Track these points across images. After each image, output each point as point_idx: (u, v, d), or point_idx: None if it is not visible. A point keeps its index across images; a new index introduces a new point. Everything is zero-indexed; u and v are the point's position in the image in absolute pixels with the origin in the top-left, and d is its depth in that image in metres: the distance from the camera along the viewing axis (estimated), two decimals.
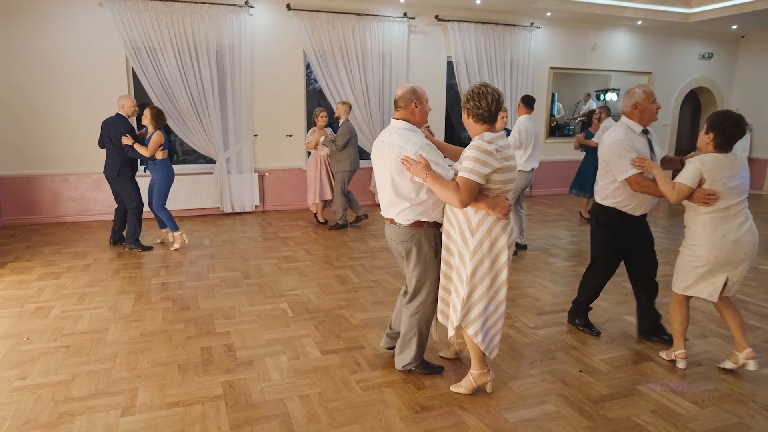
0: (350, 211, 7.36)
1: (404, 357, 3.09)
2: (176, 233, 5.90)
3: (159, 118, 5.64)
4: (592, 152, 7.11)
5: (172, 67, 7.11)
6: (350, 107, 6.72)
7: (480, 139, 2.61)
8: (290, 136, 8.06)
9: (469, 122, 2.70)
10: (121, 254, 5.64)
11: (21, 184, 6.92)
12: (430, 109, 2.92)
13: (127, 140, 5.57)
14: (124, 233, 5.91)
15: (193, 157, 8.40)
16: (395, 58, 8.30)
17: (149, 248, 5.84)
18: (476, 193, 2.59)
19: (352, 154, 6.67)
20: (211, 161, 7.84)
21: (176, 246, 5.86)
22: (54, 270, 5.05)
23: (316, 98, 9.27)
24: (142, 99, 7.75)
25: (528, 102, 5.63)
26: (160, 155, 5.62)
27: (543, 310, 4.17)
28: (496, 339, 2.84)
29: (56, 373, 3.09)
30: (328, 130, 6.93)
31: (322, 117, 6.84)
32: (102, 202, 7.29)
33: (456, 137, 9.85)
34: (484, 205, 2.62)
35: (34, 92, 6.79)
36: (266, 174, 8.02)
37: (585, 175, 7.28)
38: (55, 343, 3.48)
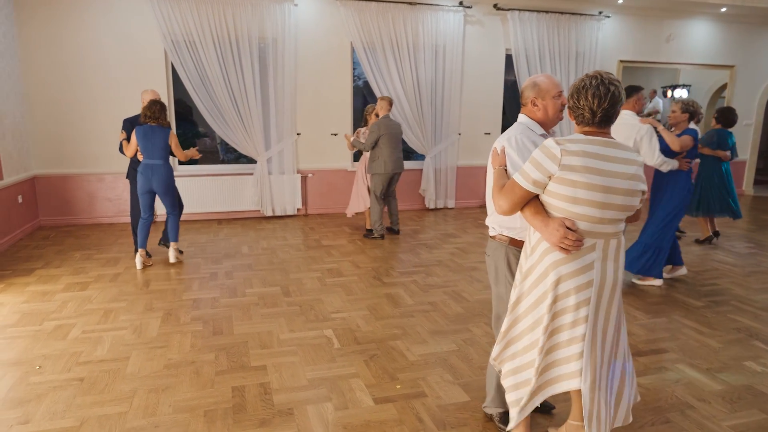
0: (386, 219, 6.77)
1: (488, 398, 2.62)
2: (140, 250, 5.09)
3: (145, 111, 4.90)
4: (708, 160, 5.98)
5: (212, 62, 6.68)
6: (389, 102, 6.08)
7: (552, 138, 1.98)
8: (335, 134, 7.52)
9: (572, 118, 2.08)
10: (154, 262, 5.21)
11: (58, 183, 6.64)
12: (564, 104, 2.29)
13: (121, 136, 5.13)
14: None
15: (233, 156, 7.98)
16: (449, 50, 7.65)
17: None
18: (520, 201, 2.03)
19: (385, 154, 6.02)
20: (252, 161, 7.40)
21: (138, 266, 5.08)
22: (82, 279, 4.66)
23: (359, 95, 8.72)
24: (180, 95, 7.37)
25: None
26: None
27: (639, 349, 3.46)
28: (525, 397, 2.09)
29: (63, 416, 2.62)
30: (362, 129, 6.38)
31: (374, 116, 6.27)
32: None
33: None
34: (537, 223, 2.00)
35: (71, 88, 6.49)
36: (309, 175, 7.52)
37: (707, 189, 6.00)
38: (69, 375, 3.02)
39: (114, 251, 5.58)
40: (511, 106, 8.83)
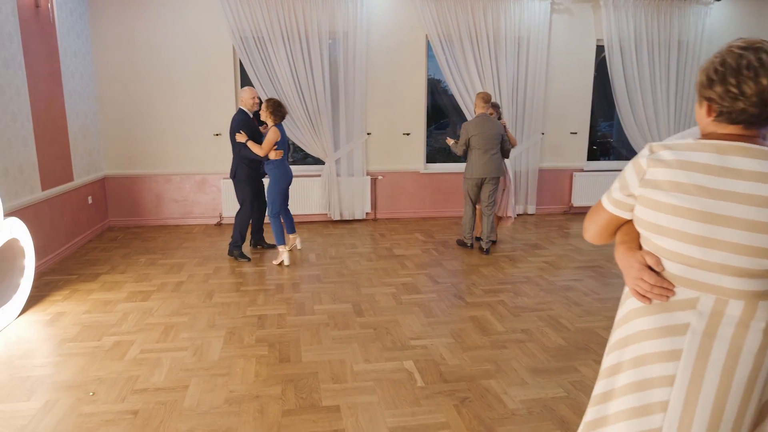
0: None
1: None
2: (279, 247, 5.11)
3: (277, 110, 4.94)
4: None
5: (281, 58, 6.36)
6: (483, 99, 5.49)
7: (659, 142, 1.37)
8: (408, 134, 7.03)
9: (701, 116, 1.38)
10: (218, 270, 4.92)
11: (126, 184, 6.54)
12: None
13: (240, 137, 4.96)
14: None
15: (299, 156, 7.66)
16: (534, 42, 6.98)
17: (246, 258, 5.24)
18: (605, 227, 1.50)
19: (474, 157, 5.46)
20: (319, 162, 7.04)
21: (275, 261, 5.12)
22: (145, 288, 4.41)
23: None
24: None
25: None
26: (272, 155, 4.90)
27: None
28: None
29: None
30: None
31: (490, 113, 5.74)
32: (205, 206, 6.74)
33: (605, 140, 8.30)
34: (618, 254, 1.46)
35: (139, 87, 6.36)
36: (379, 177, 7.08)
37: None
38: (122, 405, 2.69)
39: (178, 256, 5.35)
40: (601, 102, 8.02)
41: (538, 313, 3.92)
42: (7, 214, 4.17)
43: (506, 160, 5.83)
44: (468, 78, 6.87)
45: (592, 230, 1.53)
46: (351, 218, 7.01)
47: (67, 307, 3.98)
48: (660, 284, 1.33)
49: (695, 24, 7.21)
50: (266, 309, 3.99)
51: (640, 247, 1.42)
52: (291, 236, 5.51)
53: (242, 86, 6.68)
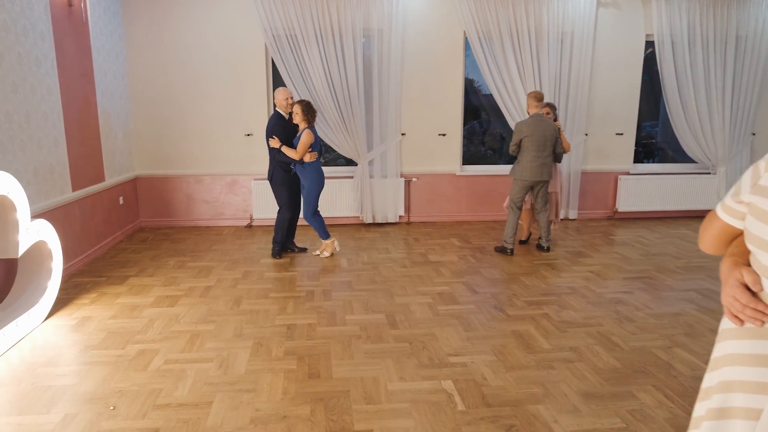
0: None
1: None
2: (326, 241, 5.28)
3: (309, 112, 4.87)
4: None
5: (314, 57, 6.19)
6: (535, 98, 5.19)
7: None
8: (443, 135, 6.77)
9: None
10: (246, 274, 4.77)
11: (158, 184, 6.48)
12: None
13: (273, 143, 4.93)
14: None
15: (331, 156, 7.49)
16: (578, 39, 6.63)
17: (279, 257, 5.34)
18: (717, 235, 1.33)
19: (526, 159, 5.20)
20: (352, 164, 6.85)
21: (325, 254, 5.36)
22: (172, 293, 4.29)
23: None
24: None
25: None
26: (307, 157, 4.82)
27: None
28: None
29: None
30: None
31: (547, 114, 5.45)
32: (235, 207, 6.63)
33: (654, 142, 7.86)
34: (722, 269, 1.27)
35: (170, 86, 6.28)
36: (413, 179, 6.84)
37: None
38: (143, 422, 2.53)
39: (207, 259, 5.23)
40: (643, 101, 7.59)
41: (587, 329, 3.62)
42: (36, 216, 4.11)
43: (558, 165, 5.61)
44: (508, 76, 6.57)
45: (704, 239, 1.37)
46: (384, 221, 6.79)
47: (94, 312, 3.87)
48: (754, 306, 1.15)
49: (755, 17, 6.73)
50: (296, 318, 3.80)
51: (748, 264, 1.21)
52: (326, 242, 5.37)
53: (274, 86, 6.55)
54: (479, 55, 6.50)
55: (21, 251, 3.41)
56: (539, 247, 5.59)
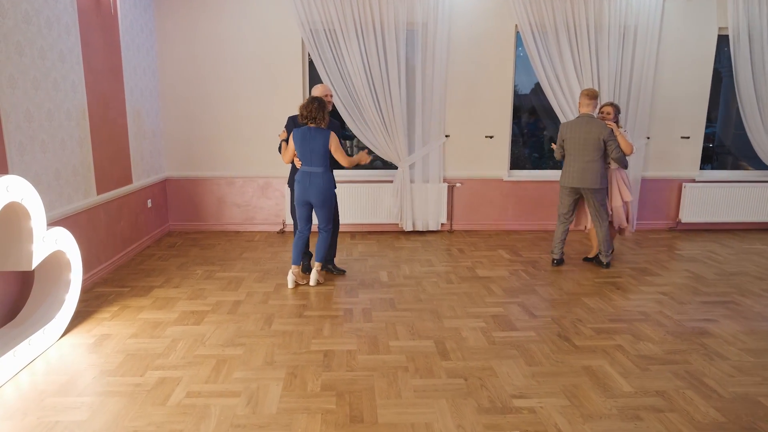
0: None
1: None
2: (293, 267, 4.46)
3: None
4: None
5: (354, 52, 5.78)
6: (587, 95, 4.72)
7: None
8: (491, 137, 6.28)
9: None
10: (279, 288, 4.39)
11: (188, 186, 6.18)
12: None
13: (282, 135, 4.53)
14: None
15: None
16: (642, 32, 6.03)
17: (341, 271, 4.84)
18: None
19: (568, 162, 4.88)
20: (391, 167, 6.41)
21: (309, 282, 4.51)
22: (198, 307, 3.93)
23: None
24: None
25: None
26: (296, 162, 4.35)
27: None
28: None
29: None
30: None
31: (607, 113, 4.87)
32: (268, 211, 6.28)
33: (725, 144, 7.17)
34: None
35: (202, 84, 5.97)
36: (457, 185, 6.36)
37: None
38: None
39: (237, 268, 4.87)
40: (715, 101, 6.92)
41: (672, 367, 3.09)
42: (57, 221, 3.81)
43: (623, 170, 4.96)
44: (563, 74, 6.03)
45: None
46: (424, 229, 6.33)
47: (114, 328, 3.54)
48: None
49: None
50: (333, 342, 3.38)
51: None
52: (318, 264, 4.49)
53: (311, 83, 6.18)
54: (532, 51, 5.98)
55: (36, 263, 3.10)
56: (598, 263, 5.05)
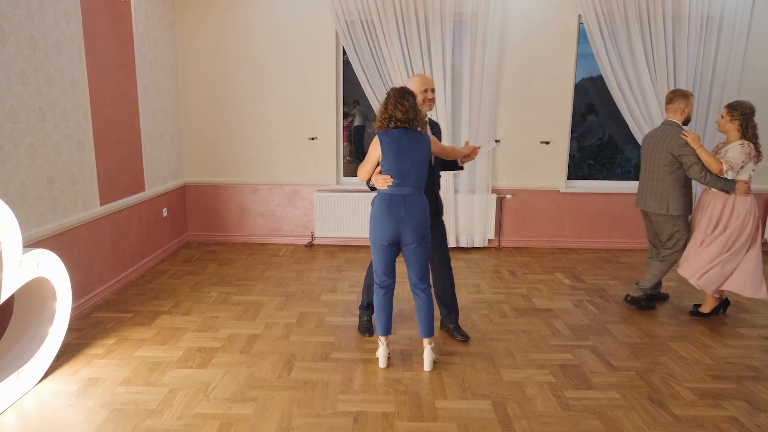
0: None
1: None
2: (382, 338, 3.16)
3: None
4: None
5: (394, 46, 5.12)
6: (666, 99, 3.87)
7: None
8: (547, 143, 5.52)
9: None
10: (303, 318, 3.76)
11: (209, 193, 5.63)
12: None
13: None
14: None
15: None
16: (728, 22, 5.18)
17: (465, 337, 3.48)
18: None
19: (640, 179, 4.06)
20: None
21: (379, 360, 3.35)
22: (207, 343, 3.33)
23: None
24: (352, 89, 5.97)
25: None
26: (378, 182, 3.33)
27: None
28: None
29: None
30: (738, 145, 3.60)
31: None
32: (295, 222, 5.68)
33: None
34: None
35: (226, 82, 5.41)
36: (507, 196, 5.63)
37: None
38: None
39: (257, 290, 4.28)
40: None
41: None
42: (48, 238, 3.28)
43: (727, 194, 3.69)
44: (633, 69, 5.23)
45: None
46: (469, 246, 5.62)
47: (105, 370, 2.97)
48: None
49: None
50: (366, 401, 2.72)
51: None
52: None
53: (345, 81, 5.55)
54: (597, 44, 5.20)
55: (6, 295, 2.54)
56: (633, 301, 4.06)
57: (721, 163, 3.56)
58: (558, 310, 3.99)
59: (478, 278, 4.71)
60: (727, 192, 3.65)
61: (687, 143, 3.64)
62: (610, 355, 3.28)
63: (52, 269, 2.86)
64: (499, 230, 5.70)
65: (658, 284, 4.10)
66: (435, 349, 3.17)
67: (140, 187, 4.58)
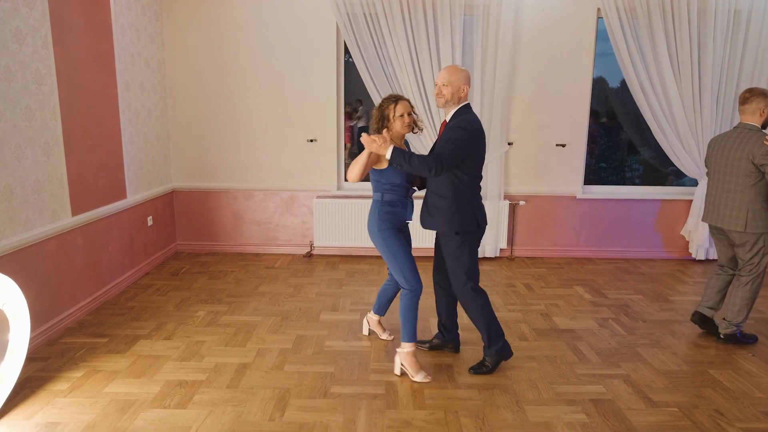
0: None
1: None
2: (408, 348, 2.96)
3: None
4: None
5: (399, 41, 4.72)
6: (740, 99, 3.35)
7: None
8: (563, 145, 5.13)
9: None
10: (300, 342, 3.35)
11: (199, 200, 5.22)
12: None
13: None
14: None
15: None
16: (757, 18, 4.83)
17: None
18: None
19: (708, 190, 3.51)
20: None
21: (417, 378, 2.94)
22: (190, 375, 2.92)
23: None
24: (353, 90, 5.56)
25: None
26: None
27: None
28: None
29: None
30: None
31: None
32: (293, 230, 5.27)
33: None
34: None
35: (219, 78, 5.00)
36: (520, 203, 5.23)
37: None
38: None
39: (249, 309, 3.87)
40: None
41: None
42: (6, 254, 2.86)
43: None
44: (655, 66, 4.84)
45: None
46: (480, 256, 5.22)
47: (67, 412, 2.55)
48: None
49: None
50: None
51: None
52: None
53: (347, 79, 5.15)
54: (618, 39, 4.81)
55: None
56: (728, 339, 3.50)
57: None
58: (581, 331, 3.59)
59: (492, 293, 4.31)
60: None
61: None
62: (647, 386, 2.88)
63: (3, 295, 2.45)
64: (511, 239, 5.30)
65: (719, 303, 3.61)
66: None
67: (121, 194, 4.17)
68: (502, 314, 3.86)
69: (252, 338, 3.39)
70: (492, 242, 5.17)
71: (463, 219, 2.84)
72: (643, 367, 3.11)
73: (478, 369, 3.00)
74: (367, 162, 2.86)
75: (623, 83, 5.35)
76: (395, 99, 2.92)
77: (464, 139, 2.75)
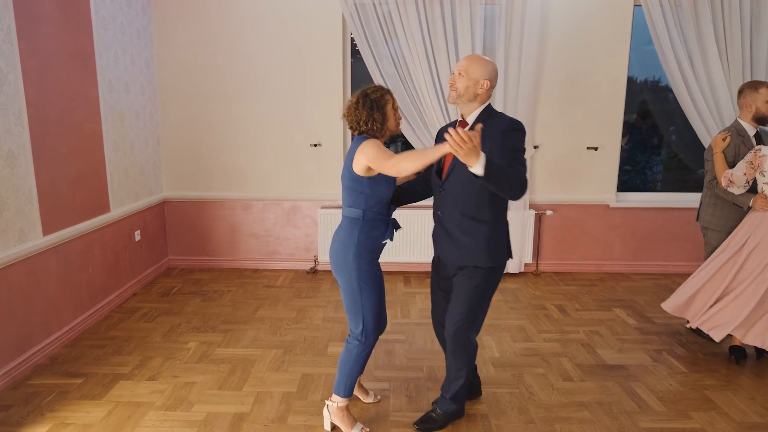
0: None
1: None
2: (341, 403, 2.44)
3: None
4: None
5: (414, 34, 4.24)
6: (738, 92, 3.11)
7: None
8: (595, 149, 4.64)
9: None
10: (307, 382, 2.87)
11: (192, 211, 4.75)
12: None
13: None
14: None
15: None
16: None
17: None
18: None
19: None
20: None
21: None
22: (175, 430, 2.44)
23: None
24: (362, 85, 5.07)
25: None
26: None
27: None
28: None
29: None
30: None
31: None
32: (295, 244, 4.79)
33: None
34: None
35: (214, 78, 4.53)
36: (547, 212, 4.74)
37: None
38: None
39: (247, 339, 3.39)
40: None
41: None
42: None
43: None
44: (701, 62, 4.34)
45: None
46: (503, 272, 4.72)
47: None
48: None
49: None
50: None
51: None
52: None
53: (354, 75, 4.67)
54: (659, 30, 4.31)
55: None
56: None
57: (728, 172, 3.08)
58: (634, 368, 3.10)
59: (521, 317, 3.82)
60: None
61: (711, 148, 3.23)
62: None
63: None
64: (537, 252, 4.81)
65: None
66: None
67: (104, 208, 3.70)
68: (537, 345, 3.37)
69: (250, 378, 2.91)
70: (516, 256, 4.68)
71: (501, 249, 2.32)
72: (719, 418, 2.61)
73: (428, 424, 2.46)
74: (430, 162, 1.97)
75: (654, 79, 4.87)
76: (387, 89, 2.33)
77: (524, 146, 2.21)
